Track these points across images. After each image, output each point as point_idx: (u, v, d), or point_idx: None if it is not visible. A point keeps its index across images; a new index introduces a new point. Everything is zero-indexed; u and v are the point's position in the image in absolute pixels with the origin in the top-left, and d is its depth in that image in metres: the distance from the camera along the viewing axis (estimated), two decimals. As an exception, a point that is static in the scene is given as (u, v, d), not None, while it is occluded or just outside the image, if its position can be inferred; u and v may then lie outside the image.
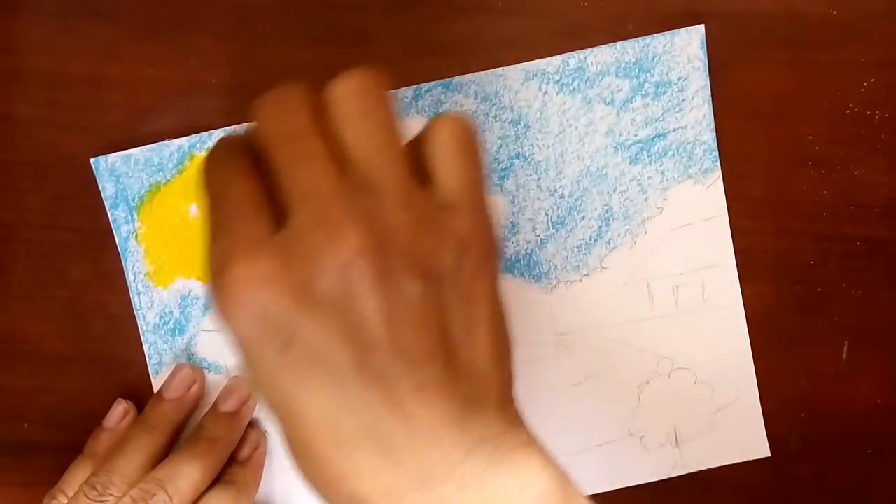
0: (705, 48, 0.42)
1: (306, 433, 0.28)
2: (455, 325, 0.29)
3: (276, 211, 0.29)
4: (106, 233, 0.45)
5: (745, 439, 0.44)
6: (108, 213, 0.45)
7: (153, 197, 0.44)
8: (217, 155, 0.31)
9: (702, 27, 0.42)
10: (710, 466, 0.44)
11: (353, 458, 0.28)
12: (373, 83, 0.30)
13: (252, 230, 0.28)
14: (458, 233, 0.29)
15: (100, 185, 0.44)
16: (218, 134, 0.44)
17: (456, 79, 0.43)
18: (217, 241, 0.29)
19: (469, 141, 0.31)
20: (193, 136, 0.44)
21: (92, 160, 0.44)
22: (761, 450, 0.44)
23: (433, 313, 0.28)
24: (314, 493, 0.29)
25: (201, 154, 0.44)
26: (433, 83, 0.43)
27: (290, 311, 0.27)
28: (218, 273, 0.28)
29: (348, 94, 0.30)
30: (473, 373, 0.29)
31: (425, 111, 0.43)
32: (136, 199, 0.44)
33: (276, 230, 0.28)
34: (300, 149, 0.29)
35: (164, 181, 0.44)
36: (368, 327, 0.27)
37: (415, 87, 0.43)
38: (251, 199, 0.29)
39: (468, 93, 0.43)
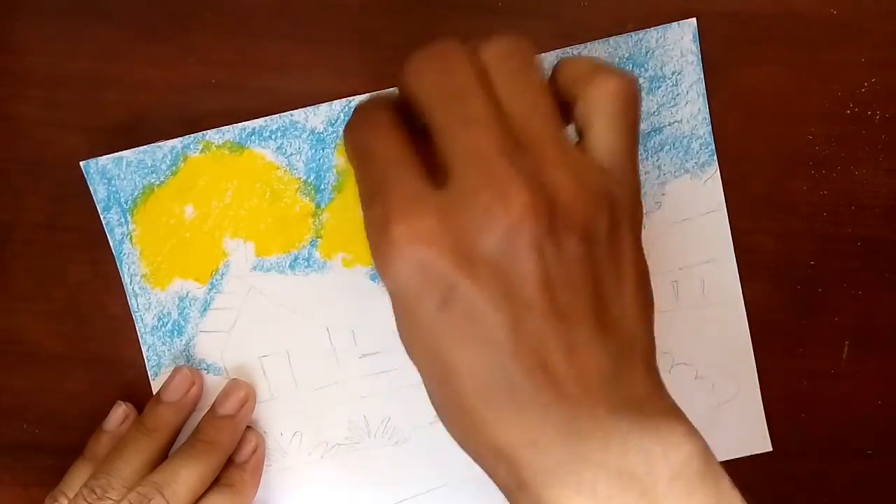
0: (698, 42, 0.42)
1: (456, 386, 0.28)
2: (607, 285, 0.29)
3: (429, 169, 0.29)
4: (105, 233, 0.45)
5: (747, 434, 0.44)
6: (101, 216, 0.44)
7: (147, 199, 0.44)
8: (363, 114, 0.31)
9: (693, 21, 0.42)
10: (711, 463, 0.44)
11: (500, 412, 0.28)
12: (523, 46, 0.30)
13: (410, 187, 0.28)
14: (613, 195, 0.29)
15: (91, 188, 0.44)
16: (211, 135, 0.44)
17: (455, 78, 0.43)
18: (374, 201, 0.29)
19: (631, 106, 0.31)
20: (187, 136, 0.44)
21: (82, 163, 0.44)
22: (763, 444, 0.44)
23: (589, 274, 0.28)
24: (460, 445, 0.30)
25: (195, 155, 0.44)
26: (433, 82, 0.43)
27: (452, 269, 0.27)
28: (379, 232, 0.28)
29: (502, 55, 0.30)
30: (622, 332, 0.29)
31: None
32: (128, 202, 0.44)
33: (434, 186, 0.28)
34: (464, 108, 0.29)
35: (157, 183, 0.44)
36: (527, 288, 0.27)
37: (414, 86, 0.43)
38: (405, 156, 0.29)
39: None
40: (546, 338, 0.28)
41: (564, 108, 0.31)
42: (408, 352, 0.30)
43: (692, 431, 0.29)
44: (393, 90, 0.32)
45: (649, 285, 0.31)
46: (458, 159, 0.28)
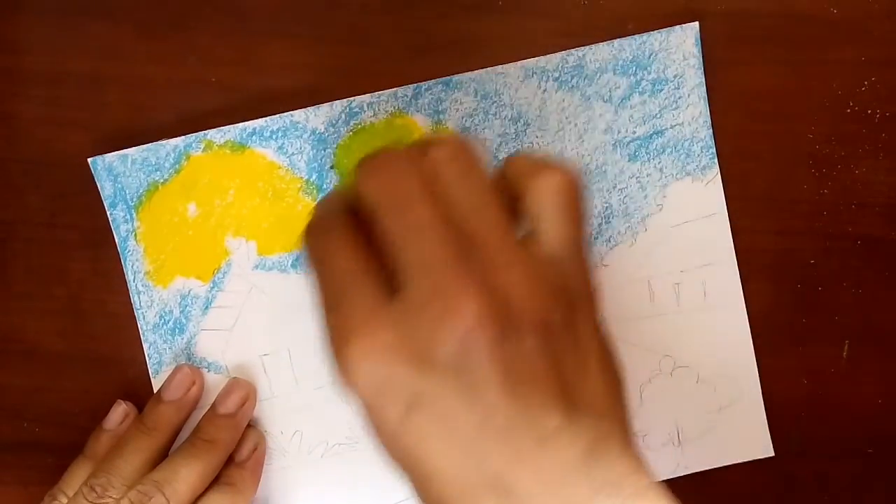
0: (700, 45, 0.42)
1: (434, 487, 0.29)
2: (570, 373, 0.29)
3: (385, 272, 0.30)
4: (106, 231, 0.45)
5: (749, 439, 0.44)
6: (107, 213, 0.45)
7: (151, 196, 0.44)
8: (320, 223, 0.32)
9: (696, 24, 0.42)
10: (713, 466, 0.44)
11: None
12: (467, 146, 0.31)
13: (367, 301, 0.29)
14: (566, 287, 0.30)
15: (98, 184, 0.44)
16: (213, 134, 0.44)
17: (456, 77, 0.43)
18: (331, 314, 0.30)
19: (576, 197, 0.31)
20: (189, 135, 0.44)
21: (90, 160, 0.44)
22: (765, 449, 0.44)
23: (550, 365, 0.28)
24: None
25: (197, 154, 0.44)
26: (433, 81, 0.43)
27: (412, 378, 0.28)
28: (339, 347, 0.29)
29: (447, 157, 0.30)
30: (593, 415, 0.29)
31: (425, 110, 0.43)
32: (134, 199, 0.45)
33: (389, 296, 0.29)
34: (412, 217, 0.29)
35: (161, 181, 0.44)
36: (490, 389, 0.28)
37: (414, 85, 0.43)
38: (361, 268, 0.30)
39: (468, 91, 0.43)
40: (517, 432, 0.28)
41: (513, 205, 0.32)
42: (384, 456, 0.30)
43: None
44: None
45: (615, 365, 0.31)
46: (409, 269, 0.29)
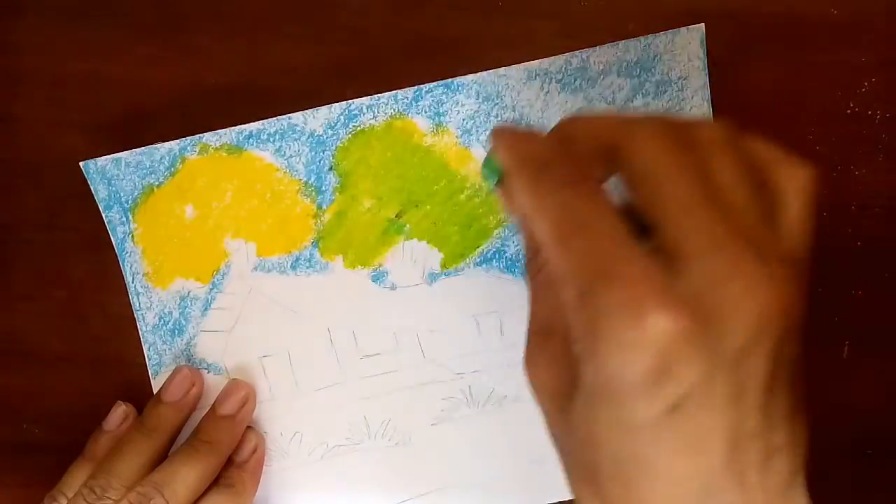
0: (705, 47, 0.42)
1: (643, 489, 0.27)
2: (797, 383, 0.28)
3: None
4: (105, 233, 0.45)
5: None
6: (103, 215, 0.44)
7: (147, 198, 0.44)
8: (551, 171, 0.28)
9: (702, 26, 0.42)
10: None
11: None
12: (736, 136, 0.29)
13: (654, 272, 0.25)
14: (803, 288, 0.27)
15: (92, 187, 0.44)
16: (208, 137, 0.44)
17: (457, 79, 0.43)
18: (611, 283, 0.25)
19: (815, 195, 0.29)
20: (183, 139, 0.44)
21: (81, 163, 0.44)
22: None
23: (795, 375, 0.27)
24: None
25: (192, 157, 0.44)
26: (434, 84, 0.43)
27: (697, 370, 0.25)
28: (626, 323, 0.25)
29: (720, 141, 0.28)
30: (802, 434, 0.28)
31: (426, 112, 0.43)
32: (129, 201, 0.44)
33: (665, 269, 0.26)
34: (704, 189, 0.27)
35: (156, 183, 0.44)
36: (755, 391, 0.26)
37: (415, 87, 0.43)
38: (631, 234, 0.26)
39: (469, 93, 0.43)
40: (755, 444, 0.26)
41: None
42: (570, 445, 0.28)
43: None
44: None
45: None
46: (699, 243, 0.26)
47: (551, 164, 0.28)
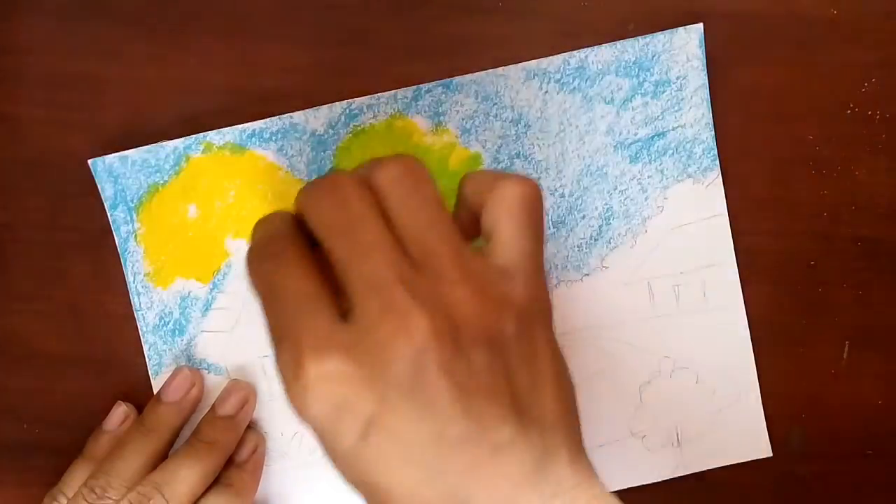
0: (703, 47, 0.42)
1: None
2: (522, 384, 0.29)
3: (335, 293, 0.30)
4: (105, 232, 0.45)
5: (747, 439, 0.44)
6: (108, 214, 0.44)
7: (151, 198, 0.44)
8: (266, 247, 0.32)
9: (700, 26, 0.42)
10: (712, 467, 0.44)
11: None
12: (412, 165, 0.31)
13: (318, 326, 0.29)
14: (518, 300, 0.30)
15: (98, 186, 0.44)
16: (212, 136, 0.44)
17: (456, 79, 0.43)
18: (284, 342, 0.29)
19: (533, 210, 0.32)
20: (189, 137, 0.44)
21: (90, 161, 0.44)
22: (763, 450, 0.44)
23: (501, 378, 0.29)
24: None
25: (196, 155, 0.44)
26: (433, 83, 0.43)
27: (367, 401, 0.28)
28: (291, 374, 0.29)
29: (393, 178, 0.31)
30: (544, 428, 0.30)
31: (425, 111, 0.43)
32: (134, 200, 0.44)
33: (339, 319, 0.29)
34: (361, 239, 0.29)
35: (161, 182, 0.44)
36: (443, 404, 0.28)
37: (414, 87, 0.43)
38: (313, 293, 0.30)
39: (468, 93, 0.43)
40: (471, 445, 0.28)
41: (475, 221, 0.32)
42: (342, 479, 0.31)
43: None
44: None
45: (567, 376, 0.32)
46: (357, 291, 0.29)
47: (269, 240, 0.32)
